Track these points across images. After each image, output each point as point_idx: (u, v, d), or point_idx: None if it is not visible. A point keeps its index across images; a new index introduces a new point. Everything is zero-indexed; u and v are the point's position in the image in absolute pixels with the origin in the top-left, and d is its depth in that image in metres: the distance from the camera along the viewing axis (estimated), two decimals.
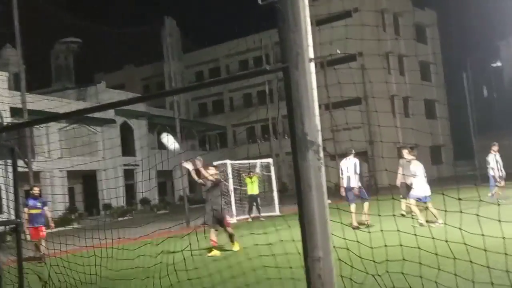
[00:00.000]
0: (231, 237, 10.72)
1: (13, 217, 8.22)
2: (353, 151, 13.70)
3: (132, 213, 36.11)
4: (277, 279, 5.08)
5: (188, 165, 10.93)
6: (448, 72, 52.05)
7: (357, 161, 13.53)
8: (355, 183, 13.11)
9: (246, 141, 53.28)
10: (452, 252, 4.25)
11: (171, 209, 37.81)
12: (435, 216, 10.99)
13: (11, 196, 8.45)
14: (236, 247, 10.48)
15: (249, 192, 21.24)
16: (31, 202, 12.72)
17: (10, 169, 8.63)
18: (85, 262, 6.86)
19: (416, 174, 12.15)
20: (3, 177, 7.88)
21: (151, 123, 44.91)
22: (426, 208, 11.64)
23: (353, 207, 12.33)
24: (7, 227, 8.21)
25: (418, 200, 11.86)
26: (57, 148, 34.05)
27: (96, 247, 7.09)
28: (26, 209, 12.25)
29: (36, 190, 13.09)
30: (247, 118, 51.77)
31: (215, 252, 10.28)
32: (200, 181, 10.79)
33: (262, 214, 20.47)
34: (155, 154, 38.13)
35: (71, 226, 28.39)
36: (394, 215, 4.32)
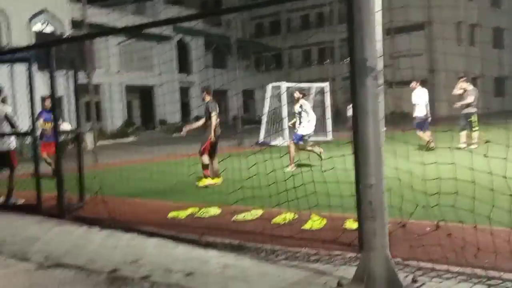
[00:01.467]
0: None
1: (73, 127, 8.58)
2: (421, 81, 14.26)
3: None
4: (326, 206, 5.11)
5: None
6: None
7: (425, 90, 13.99)
8: (423, 112, 13.57)
9: (302, 64, 52.49)
10: (510, 189, 4.13)
11: (224, 129, 38.32)
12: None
13: (72, 107, 8.76)
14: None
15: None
16: (45, 115, 11.57)
17: (70, 80, 8.88)
18: (140, 174, 7.14)
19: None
20: (64, 88, 8.11)
21: (207, 41, 44.72)
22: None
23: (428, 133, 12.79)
24: (68, 136, 8.54)
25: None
26: (115, 62, 34.62)
27: (149, 160, 7.33)
28: (41, 121, 11.31)
29: (48, 102, 11.48)
30: (304, 41, 50.70)
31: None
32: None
33: (312, 139, 20.22)
34: (212, 72, 38.23)
35: (128, 139, 29.40)
36: (450, 148, 4.20)
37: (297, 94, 11.91)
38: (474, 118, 13.56)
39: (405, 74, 25.56)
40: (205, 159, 9.70)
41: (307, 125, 11.54)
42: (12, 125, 8.74)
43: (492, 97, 41.35)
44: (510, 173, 4.48)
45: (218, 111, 10.22)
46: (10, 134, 8.66)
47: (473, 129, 13.46)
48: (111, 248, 5.44)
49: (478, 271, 3.95)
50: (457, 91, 13.81)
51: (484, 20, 45.01)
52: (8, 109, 8.80)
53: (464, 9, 44.01)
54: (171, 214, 6.92)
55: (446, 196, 4.56)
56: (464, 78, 14.13)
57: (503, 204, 4.46)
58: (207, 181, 9.41)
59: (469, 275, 3.91)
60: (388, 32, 30.85)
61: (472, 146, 12.28)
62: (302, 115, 11.52)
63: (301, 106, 11.59)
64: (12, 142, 8.79)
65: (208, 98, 10.20)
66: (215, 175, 9.86)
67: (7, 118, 8.65)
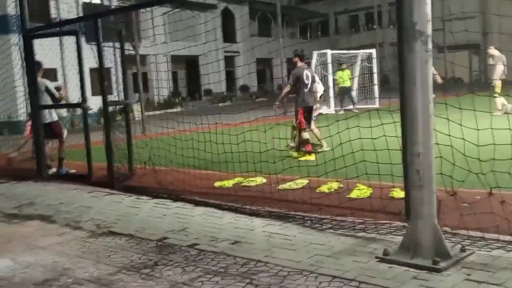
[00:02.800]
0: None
1: (122, 98, 8.72)
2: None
3: (232, 100, 37.00)
4: (374, 174, 5.03)
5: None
6: None
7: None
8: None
9: (349, 30, 51.41)
10: None
11: (270, 97, 38.27)
12: None
13: (119, 78, 8.89)
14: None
15: (341, 85, 20.81)
16: None
17: (118, 52, 9.00)
18: (187, 143, 7.21)
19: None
20: (110, 60, 8.24)
21: (252, 9, 44.31)
22: None
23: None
24: (117, 107, 8.71)
25: None
26: (161, 33, 34.82)
27: (196, 130, 7.40)
28: None
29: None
30: (351, 5, 49.49)
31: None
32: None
33: (358, 107, 19.83)
34: (256, 41, 37.99)
35: (175, 109, 29.75)
36: (507, 113, 4.04)
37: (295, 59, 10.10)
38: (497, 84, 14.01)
39: (457, 37, 24.61)
40: (305, 134, 9.25)
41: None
42: (53, 98, 8.95)
43: None
44: None
45: (310, 78, 9.68)
46: (58, 106, 8.83)
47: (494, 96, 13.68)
48: (159, 217, 5.56)
49: None
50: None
51: None
52: (47, 82, 8.99)
53: None
54: (218, 183, 6.99)
55: (501, 162, 4.41)
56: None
57: None
58: (310, 157, 8.58)
59: None
60: None
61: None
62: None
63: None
64: (52, 114, 9.02)
65: (300, 64, 9.72)
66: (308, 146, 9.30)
67: (47, 91, 8.86)
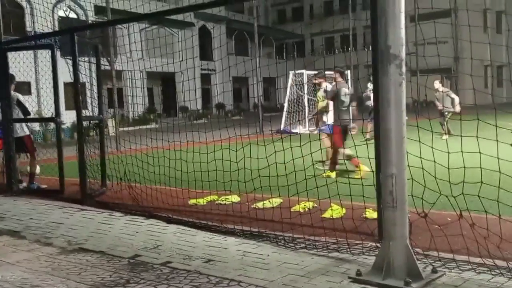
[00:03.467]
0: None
1: (96, 114, 8.64)
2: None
3: (207, 117, 36.97)
4: (347, 195, 5.09)
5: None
6: None
7: None
8: None
9: (324, 51, 52.07)
10: None
11: (245, 116, 38.36)
12: None
13: (94, 93, 8.83)
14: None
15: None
16: None
17: (93, 67, 8.94)
18: (161, 160, 7.17)
19: None
20: (85, 75, 8.18)
21: (230, 28, 44.65)
22: None
23: None
24: (91, 122, 8.64)
25: None
26: (138, 49, 34.72)
27: (170, 147, 7.36)
28: None
29: None
30: (326, 27, 50.21)
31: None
32: None
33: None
34: (233, 60, 38.17)
35: (149, 126, 29.60)
36: (477, 137, 4.13)
37: (317, 80, 10.79)
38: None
39: (429, 62, 25.06)
40: (346, 150, 8.27)
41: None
42: (24, 111, 8.83)
43: None
44: None
45: (348, 95, 9.16)
46: (31, 119, 8.70)
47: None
48: (132, 234, 5.50)
49: (499, 263, 3.90)
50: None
51: (511, 8, 44.06)
52: (19, 96, 8.88)
53: None
54: (192, 201, 6.96)
55: (471, 185, 4.50)
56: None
57: None
58: (363, 170, 7.67)
59: (490, 266, 3.87)
60: (413, 19, 30.39)
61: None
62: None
63: (325, 91, 10.05)
64: (24, 127, 8.89)
65: (339, 79, 9.32)
66: (335, 163, 8.64)
67: (19, 104, 8.74)
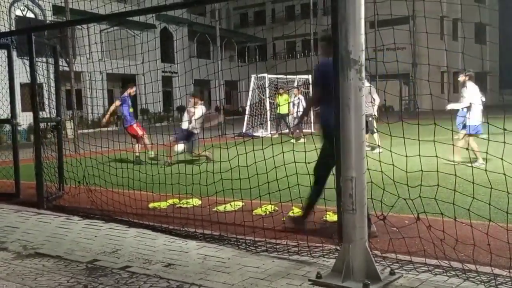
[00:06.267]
0: None
1: (54, 115, 8.45)
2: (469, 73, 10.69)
3: (168, 120, 36.66)
4: (308, 198, 5.13)
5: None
6: None
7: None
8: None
9: (286, 55, 52.41)
10: (490, 182, 4.18)
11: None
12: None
13: (52, 95, 8.64)
14: None
15: (278, 111, 21.09)
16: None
17: (51, 67, 8.75)
18: (121, 163, 7.08)
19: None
20: (43, 75, 8.00)
21: (191, 31, 44.44)
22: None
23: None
24: (49, 124, 8.44)
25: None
26: (97, 51, 34.19)
27: (130, 150, 7.27)
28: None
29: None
30: (288, 32, 50.55)
31: None
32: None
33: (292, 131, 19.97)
34: (195, 62, 38.01)
35: (109, 128, 29.13)
36: (434, 141, 4.23)
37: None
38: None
39: (388, 67, 25.49)
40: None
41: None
42: None
43: None
44: (490, 166, 4.53)
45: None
46: None
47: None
48: (90, 238, 5.40)
49: (455, 264, 4.00)
50: None
51: (467, 16, 45.40)
52: None
53: (448, 4, 44.34)
54: (152, 205, 6.88)
55: (428, 188, 4.60)
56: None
57: (482, 197, 4.51)
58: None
59: (446, 268, 3.96)
60: (372, 25, 30.92)
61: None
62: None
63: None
64: None
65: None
66: None
67: None
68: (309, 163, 5.29)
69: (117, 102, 12.67)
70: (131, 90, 12.85)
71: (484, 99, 10.14)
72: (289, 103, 21.33)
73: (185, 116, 11.45)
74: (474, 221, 4.25)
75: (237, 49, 53.36)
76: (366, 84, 12.64)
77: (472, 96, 9.94)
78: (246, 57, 54.25)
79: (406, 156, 4.52)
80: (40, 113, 7.59)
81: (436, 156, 4.34)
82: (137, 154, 11.64)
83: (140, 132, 12.13)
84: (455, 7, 44.48)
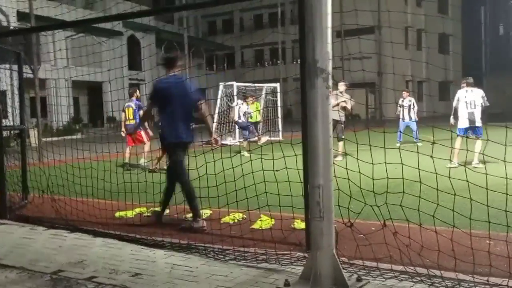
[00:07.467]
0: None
1: (17, 123, 8.28)
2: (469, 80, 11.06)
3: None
4: (276, 206, 5.15)
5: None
6: (466, 5, 50.32)
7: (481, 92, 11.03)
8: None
9: (254, 63, 52.60)
10: (453, 189, 4.26)
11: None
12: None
13: (15, 102, 8.46)
14: None
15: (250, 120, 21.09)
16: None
17: (15, 74, 8.58)
18: (87, 172, 6.96)
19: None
20: (6, 82, 7.84)
21: (159, 38, 44.18)
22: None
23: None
24: (12, 132, 8.25)
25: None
26: (63, 57, 33.70)
27: (96, 159, 7.17)
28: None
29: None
30: (256, 40, 50.77)
31: None
32: None
33: (262, 139, 19.82)
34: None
35: (75, 136, 28.67)
36: (399, 148, 4.30)
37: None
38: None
39: (355, 76, 26.03)
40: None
41: None
42: None
43: (437, 101, 42.71)
44: (453, 173, 4.63)
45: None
46: None
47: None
48: (55, 249, 5.29)
49: (421, 270, 4.07)
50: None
51: (430, 26, 46.48)
52: None
53: (412, 14, 45.32)
54: (118, 214, 6.79)
55: (393, 195, 4.67)
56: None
57: (446, 204, 4.60)
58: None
59: (412, 274, 4.02)
60: (339, 34, 31.36)
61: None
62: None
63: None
64: None
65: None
66: None
67: None
68: (277, 170, 5.32)
69: (143, 109, 12.13)
70: (137, 94, 13.00)
71: (488, 104, 10.72)
72: (258, 110, 21.37)
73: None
74: (438, 227, 4.33)
75: (205, 57, 53.28)
76: (346, 96, 13.07)
77: (456, 100, 10.81)
78: (214, 65, 54.24)
79: (372, 163, 4.58)
80: (3, 120, 7.42)
81: (402, 163, 4.41)
82: (145, 160, 11.86)
83: (146, 140, 12.28)
84: (419, 17, 45.49)
